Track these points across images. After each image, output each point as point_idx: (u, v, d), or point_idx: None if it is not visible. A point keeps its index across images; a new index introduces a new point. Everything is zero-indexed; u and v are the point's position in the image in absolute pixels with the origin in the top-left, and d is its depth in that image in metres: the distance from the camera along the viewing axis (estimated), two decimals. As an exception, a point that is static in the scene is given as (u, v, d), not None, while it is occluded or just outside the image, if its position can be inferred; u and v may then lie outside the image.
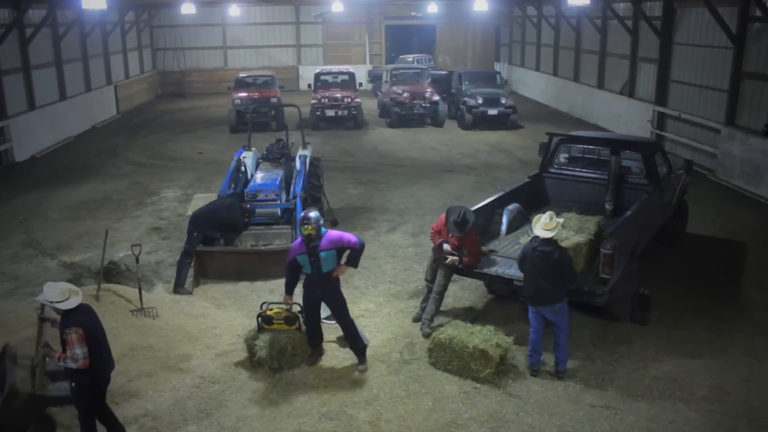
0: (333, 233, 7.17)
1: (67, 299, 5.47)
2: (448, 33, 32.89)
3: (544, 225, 6.97)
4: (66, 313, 5.48)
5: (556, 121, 22.85)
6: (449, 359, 7.19)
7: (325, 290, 7.25)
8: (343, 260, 7.25)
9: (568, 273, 7.00)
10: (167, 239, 11.45)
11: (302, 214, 7.10)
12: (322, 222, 7.12)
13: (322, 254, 7.03)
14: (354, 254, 7.24)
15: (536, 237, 7.02)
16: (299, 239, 7.17)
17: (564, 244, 7.51)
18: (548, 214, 7.10)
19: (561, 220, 7.25)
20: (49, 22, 19.82)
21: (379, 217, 12.66)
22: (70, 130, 20.97)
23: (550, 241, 6.97)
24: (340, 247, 7.14)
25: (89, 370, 5.50)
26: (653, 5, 18.65)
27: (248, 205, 10.11)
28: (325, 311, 7.74)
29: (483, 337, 7.13)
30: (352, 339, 7.37)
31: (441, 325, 7.78)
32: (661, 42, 17.91)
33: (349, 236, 7.22)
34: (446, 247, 7.96)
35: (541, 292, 6.98)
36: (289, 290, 7.37)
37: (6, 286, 9.69)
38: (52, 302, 5.47)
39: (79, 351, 5.38)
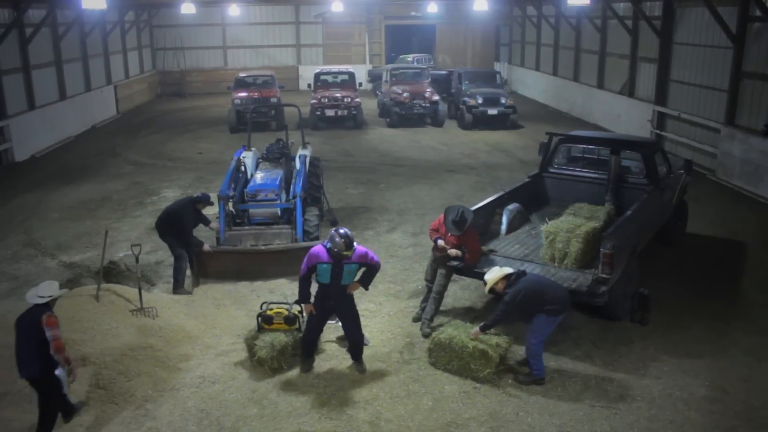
0: (360, 248, 7.02)
1: None
2: (447, 33, 32.91)
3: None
4: None
5: (556, 121, 22.85)
6: (449, 359, 7.19)
7: (338, 302, 7.13)
8: (356, 277, 7.14)
9: None
10: (167, 239, 11.44)
11: (343, 235, 6.77)
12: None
13: (347, 267, 6.92)
14: (370, 273, 7.15)
15: (512, 274, 7.06)
16: (321, 247, 6.94)
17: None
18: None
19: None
20: (49, 22, 19.82)
21: (379, 217, 12.66)
22: (70, 130, 20.97)
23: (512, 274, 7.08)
24: (363, 263, 7.04)
25: None
26: (653, 5, 18.65)
27: (201, 197, 9.58)
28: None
29: (483, 336, 7.13)
30: (355, 351, 7.33)
31: (441, 325, 7.78)
32: (660, 42, 17.91)
33: (373, 254, 7.14)
34: (441, 242, 7.96)
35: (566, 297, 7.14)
36: (307, 298, 7.14)
37: (6, 286, 9.69)
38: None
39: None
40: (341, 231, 6.84)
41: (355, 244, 6.94)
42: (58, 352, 5.81)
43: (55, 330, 5.82)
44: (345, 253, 6.79)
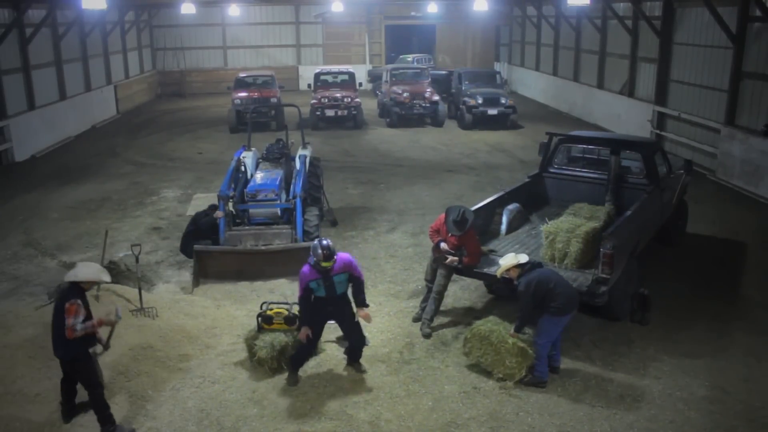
0: (343, 256, 6.99)
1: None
2: (447, 33, 32.93)
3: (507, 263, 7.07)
4: None
5: (556, 121, 22.85)
6: (484, 351, 7.09)
7: (337, 308, 7.06)
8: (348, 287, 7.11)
9: None
10: (167, 239, 11.45)
11: (325, 246, 6.72)
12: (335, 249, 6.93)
13: (336, 278, 6.89)
14: (361, 294, 7.10)
15: (527, 263, 6.99)
16: (307, 266, 6.89)
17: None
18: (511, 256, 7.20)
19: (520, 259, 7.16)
20: (49, 22, 19.82)
21: (379, 217, 12.66)
22: (70, 130, 20.97)
23: (527, 263, 7.03)
24: (350, 272, 6.99)
25: None
26: (653, 5, 18.66)
27: (210, 208, 10.13)
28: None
29: (519, 334, 7.03)
30: (354, 354, 7.32)
31: (442, 325, 7.75)
32: (660, 42, 17.91)
33: (357, 265, 7.10)
34: (443, 246, 7.96)
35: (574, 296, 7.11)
36: (309, 321, 6.98)
37: (6, 286, 9.69)
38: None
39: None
40: (324, 242, 6.79)
41: (337, 255, 6.87)
42: (70, 336, 5.91)
43: (70, 318, 5.90)
44: (323, 264, 6.71)
